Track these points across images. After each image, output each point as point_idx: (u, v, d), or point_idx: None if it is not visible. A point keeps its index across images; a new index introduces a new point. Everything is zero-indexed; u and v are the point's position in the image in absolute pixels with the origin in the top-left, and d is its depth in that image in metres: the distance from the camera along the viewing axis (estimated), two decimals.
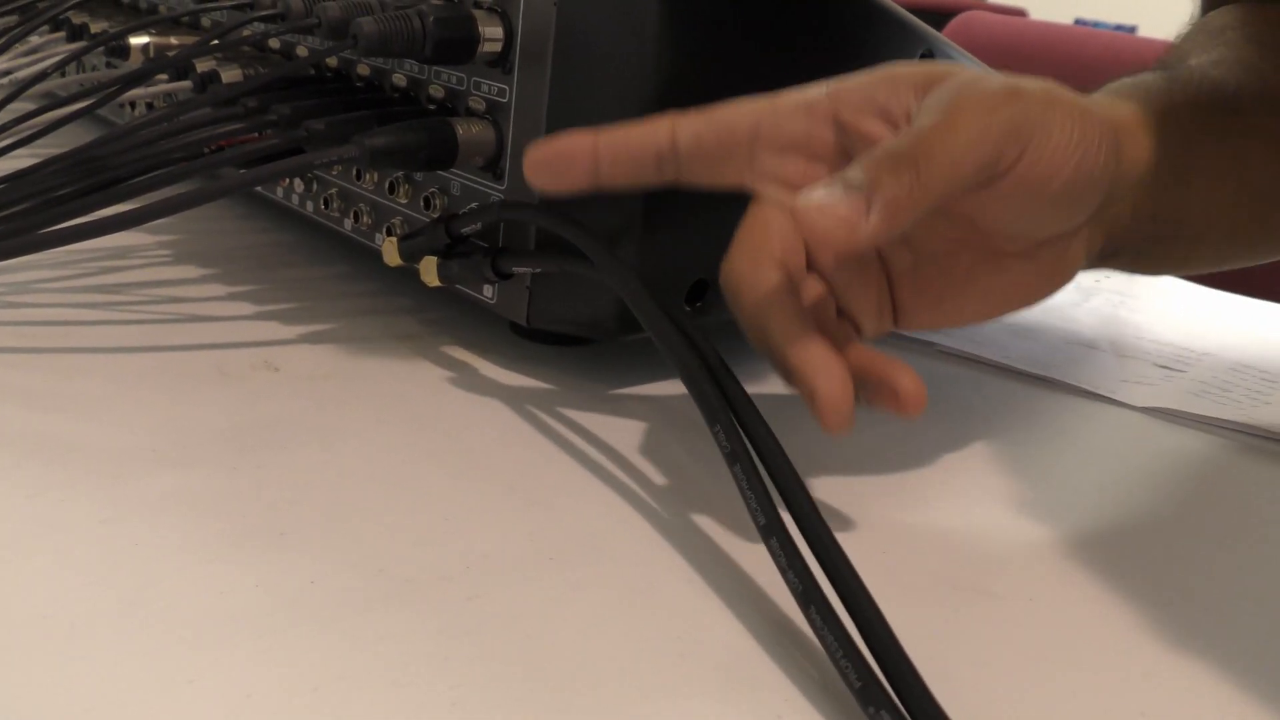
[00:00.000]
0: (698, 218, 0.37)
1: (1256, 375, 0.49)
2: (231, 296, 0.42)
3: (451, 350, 0.40)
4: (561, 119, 0.35)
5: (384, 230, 0.41)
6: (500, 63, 0.36)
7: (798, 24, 0.38)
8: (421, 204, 0.39)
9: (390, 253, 0.38)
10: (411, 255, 0.37)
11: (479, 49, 0.35)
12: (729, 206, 0.37)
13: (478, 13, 0.35)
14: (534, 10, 0.35)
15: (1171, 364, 0.50)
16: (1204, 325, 0.57)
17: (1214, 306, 0.62)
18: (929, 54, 0.42)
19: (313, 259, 0.47)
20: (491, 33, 0.35)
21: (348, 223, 0.42)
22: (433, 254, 0.37)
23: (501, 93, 0.36)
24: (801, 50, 0.39)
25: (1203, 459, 0.40)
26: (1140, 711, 0.24)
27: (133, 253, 0.45)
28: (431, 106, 0.39)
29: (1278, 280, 0.93)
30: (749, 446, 0.28)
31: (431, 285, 0.37)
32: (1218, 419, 0.42)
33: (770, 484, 0.27)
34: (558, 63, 0.34)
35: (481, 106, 0.37)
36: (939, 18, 1.27)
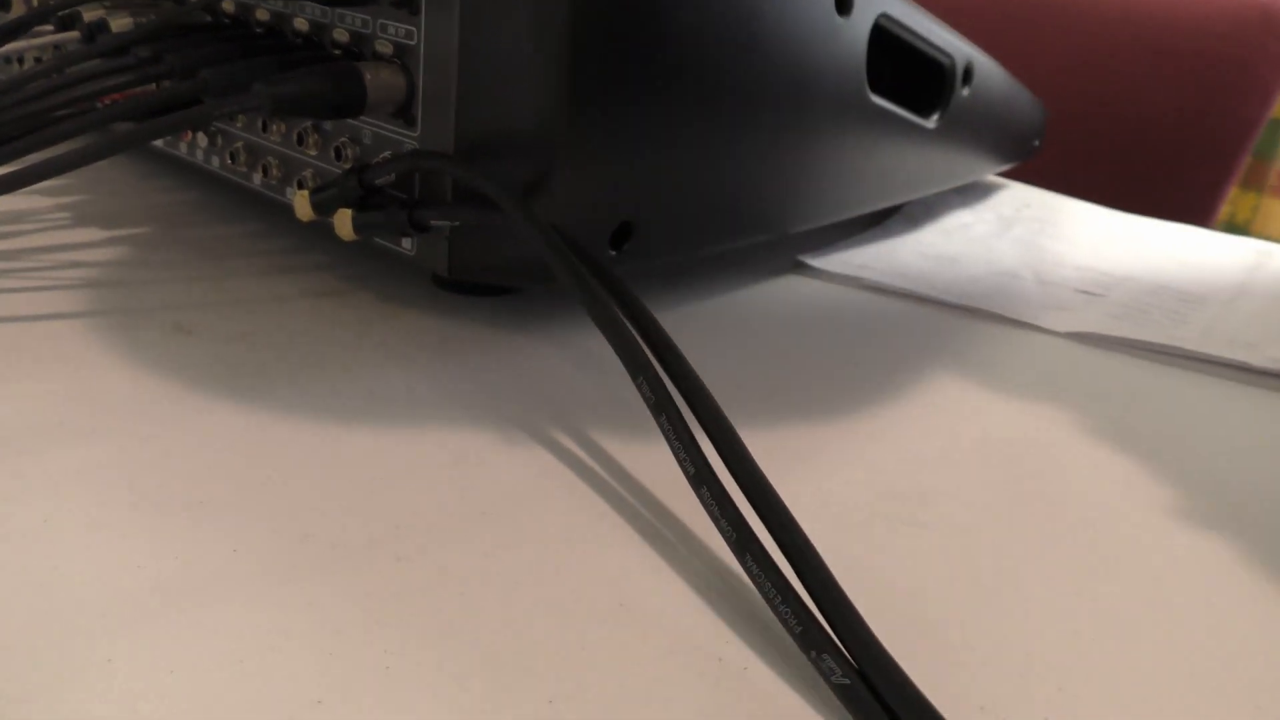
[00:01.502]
0: (621, 159, 0.36)
1: (1174, 296, 0.50)
2: (138, 259, 0.40)
3: (372, 305, 0.39)
4: (473, 59, 0.34)
5: (295, 184, 0.39)
6: (407, 3, 0.34)
7: None
8: (333, 155, 0.38)
9: (302, 207, 0.36)
10: (324, 208, 0.36)
11: None
12: (655, 147, 0.36)
13: None
14: None
15: (1092, 289, 0.50)
16: (1122, 250, 0.58)
17: (1132, 231, 0.63)
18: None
19: (221, 217, 0.45)
20: None
21: (256, 177, 0.41)
22: (347, 206, 0.36)
23: (409, 34, 0.35)
24: None
25: (1124, 379, 0.40)
26: (1074, 631, 0.25)
27: (27, 217, 0.42)
28: (336, 52, 0.37)
29: (1194, 202, 0.95)
30: (675, 395, 0.27)
31: (347, 239, 0.36)
32: (1137, 340, 0.43)
33: (701, 431, 0.27)
34: (466, 0, 0.33)
35: (389, 50, 0.35)
36: None
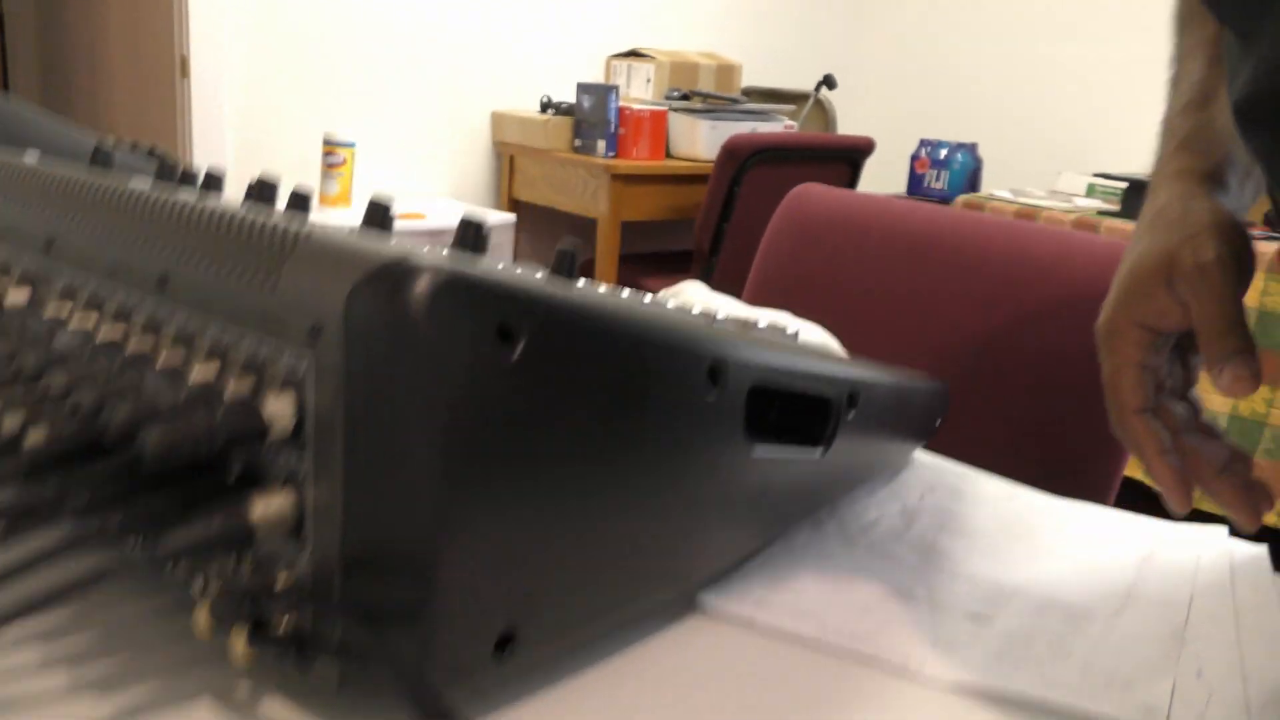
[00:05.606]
0: (501, 570, 0.38)
1: (1061, 615, 0.52)
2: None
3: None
4: (358, 481, 0.36)
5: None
6: (295, 437, 0.37)
7: (585, 372, 0.40)
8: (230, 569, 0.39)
9: (202, 624, 0.38)
10: (222, 629, 0.38)
11: (269, 435, 0.36)
12: (536, 550, 0.39)
13: (269, 395, 0.36)
14: (324, 388, 0.36)
15: (982, 608, 0.52)
16: (1019, 552, 0.60)
17: (1028, 523, 0.65)
18: (719, 363, 0.45)
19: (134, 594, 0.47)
20: (282, 414, 0.36)
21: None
22: (242, 630, 0.37)
23: (298, 460, 0.37)
24: (595, 392, 0.40)
25: None
26: None
27: None
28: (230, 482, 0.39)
29: (1102, 476, 0.99)
30: None
31: (242, 664, 0.37)
32: (1013, 693, 0.45)
33: None
34: (349, 432, 0.36)
35: (280, 477, 0.38)
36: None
